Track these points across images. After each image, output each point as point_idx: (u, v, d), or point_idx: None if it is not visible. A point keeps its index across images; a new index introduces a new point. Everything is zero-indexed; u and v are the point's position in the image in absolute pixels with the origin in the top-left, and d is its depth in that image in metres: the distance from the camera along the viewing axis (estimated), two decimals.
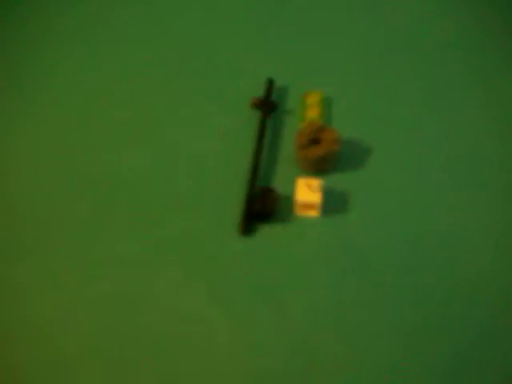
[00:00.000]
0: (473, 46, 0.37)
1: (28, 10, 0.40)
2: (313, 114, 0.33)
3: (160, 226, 0.30)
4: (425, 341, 0.26)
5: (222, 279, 0.28)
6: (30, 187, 0.32)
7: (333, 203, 0.31)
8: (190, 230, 0.30)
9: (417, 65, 0.36)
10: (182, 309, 0.27)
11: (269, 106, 0.33)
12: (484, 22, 0.38)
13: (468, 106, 0.34)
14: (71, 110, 0.35)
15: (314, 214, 0.29)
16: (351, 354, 0.26)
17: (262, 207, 0.29)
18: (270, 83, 0.34)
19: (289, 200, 0.31)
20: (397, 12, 0.39)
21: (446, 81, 0.35)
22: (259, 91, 0.35)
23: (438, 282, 0.28)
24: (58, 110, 0.35)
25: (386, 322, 0.27)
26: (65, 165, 0.33)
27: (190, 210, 0.31)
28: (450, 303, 0.27)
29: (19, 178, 0.32)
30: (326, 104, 0.34)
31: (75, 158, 0.33)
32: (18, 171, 0.32)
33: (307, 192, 0.29)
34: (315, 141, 0.31)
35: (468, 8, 0.39)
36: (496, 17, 0.38)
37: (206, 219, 0.30)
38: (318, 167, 0.31)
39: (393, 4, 0.39)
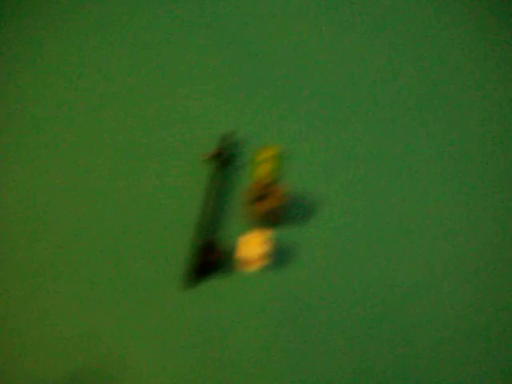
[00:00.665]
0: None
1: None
2: (264, 169, 0.35)
3: (107, 273, 0.31)
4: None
5: (164, 328, 0.29)
6: None
7: (277, 256, 0.32)
8: (137, 280, 0.31)
9: (377, 120, 0.37)
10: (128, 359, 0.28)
11: (221, 160, 0.34)
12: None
13: (427, 161, 0.35)
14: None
15: (254, 268, 0.30)
16: None
17: (204, 260, 0.30)
18: (224, 139, 0.35)
19: (233, 251, 0.32)
20: (356, 65, 0.40)
21: (406, 138, 0.37)
22: (215, 143, 0.36)
23: (378, 333, 0.29)
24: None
25: (326, 372, 0.28)
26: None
27: (137, 260, 0.32)
28: (389, 354, 0.28)
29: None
30: (280, 159, 0.36)
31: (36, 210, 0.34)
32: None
33: (249, 247, 0.30)
34: (263, 196, 0.32)
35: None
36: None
37: (153, 270, 0.31)
38: (266, 220, 0.32)
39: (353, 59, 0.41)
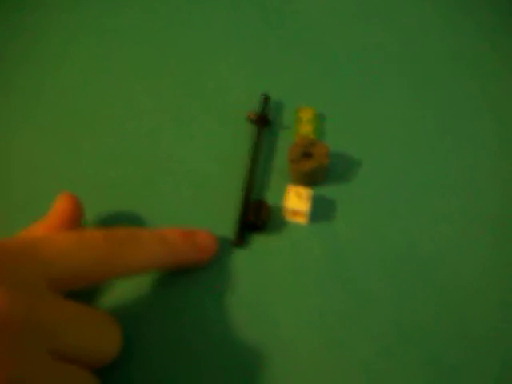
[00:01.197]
0: (475, 60, 0.38)
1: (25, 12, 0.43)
2: (306, 128, 0.35)
3: None
4: (406, 352, 0.28)
5: (217, 287, 0.30)
6: None
7: (322, 213, 0.32)
8: None
9: (411, 80, 0.38)
10: None
11: (264, 120, 0.34)
12: (488, 34, 0.40)
13: (465, 120, 0.35)
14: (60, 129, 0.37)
15: (301, 220, 0.31)
16: (335, 361, 0.27)
17: (255, 219, 0.30)
18: (266, 99, 0.35)
19: (280, 210, 0.32)
20: (393, 26, 0.41)
21: (442, 96, 0.37)
22: (254, 105, 0.36)
23: (422, 294, 0.29)
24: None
25: (369, 332, 0.28)
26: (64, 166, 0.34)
27: (185, 221, 0.32)
28: (432, 316, 0.28)
29: None
30: (319, 119, 0.36)
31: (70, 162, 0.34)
32: None
33: (296, 199, 0.30)
34: (307, 155, 0.33)
35: (470, 21, 0.41)
36: (500, 27, 0.40)
37: (202, 227, 0.32)
38: (310, 180, 0.33)
39: (389, 18, 0.41)
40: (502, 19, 0.41)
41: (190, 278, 0.30)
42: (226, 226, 0.32)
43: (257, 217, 0.31)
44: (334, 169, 0.34)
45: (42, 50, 0.41)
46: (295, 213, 0.31)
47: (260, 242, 0.31)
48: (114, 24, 0.43)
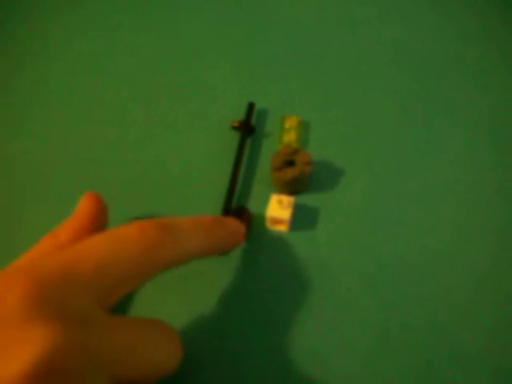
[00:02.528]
0: (465, 69, 0.39)
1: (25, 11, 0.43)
2: (289, 137, 0.35)
3: None
4: (389, 364, 0.27)
5: (197, 295, 0.30)
6: None
7: (304, 221, 0.32)
8: None
9: (398, 88, 0.38)
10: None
11: (247, 127, 0.34)
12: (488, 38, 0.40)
13: (454, 128, 0.35)
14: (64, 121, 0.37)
15: (283, 228, 0.31)
16: (314, 372, 0.27)
17: None
18: (250, 105, 0.35)
19: (262, 218, 0.32)
20: (380, 36, 0.41)
21: (429, 105, 0.37)
22: (239, 114, 0.36)
23: (406, 306, 0.29)
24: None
25: (350, 343, 0.28)
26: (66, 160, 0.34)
27: None
28: (413, 326, 0.28)
29: None
30: (303, 128, 0.36)
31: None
32: None
33: (278, 207, 0.30)
34: (289, 163, 0.33)
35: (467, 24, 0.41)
36: (502, 27, 0.40)
37: None
38: (292, 188, 0.33)
39: (376, 28, 0.41)
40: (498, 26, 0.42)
41: (168, 286, 0.30)
42: None
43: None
44: (318, 177, 0.34)
45: (36, 54, 0.42)
46: (276, 221, 0.31)
47: (240, 250, 0.31)
48: (106, 33, 0.43)
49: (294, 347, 0.28)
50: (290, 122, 0.36)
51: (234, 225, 0.28)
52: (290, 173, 0.32)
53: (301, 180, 0.32)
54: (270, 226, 0.32)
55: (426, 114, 0.37)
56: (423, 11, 0.43)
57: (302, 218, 0.32)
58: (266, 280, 0.30)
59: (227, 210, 0.32)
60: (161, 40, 0.42)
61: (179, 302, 0.30)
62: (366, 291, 0.30)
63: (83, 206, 0.26)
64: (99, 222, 0.26)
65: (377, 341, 0.28)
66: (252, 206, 0.33)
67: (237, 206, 0.32)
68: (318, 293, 0.30)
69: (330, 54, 0.40)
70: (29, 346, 0.16)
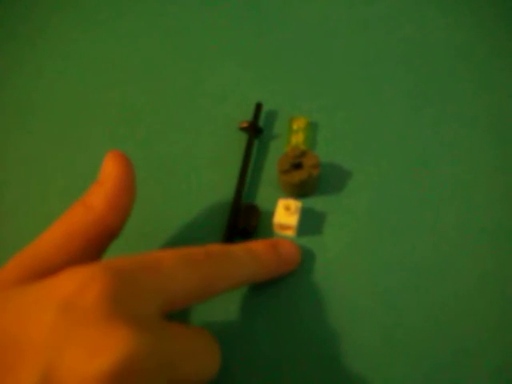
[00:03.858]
0: (473, 71, 0.38)
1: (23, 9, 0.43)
2: (297, 138, 0.35)
3: (148, 235, 0.32)
4: (397, 368, 0.28)
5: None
6: None
7: (311, 225, 0.32)
8: (178, 240, 0.32)
9: (407, 90, 0.37)
10: None
11: (255, 128, 0.34)
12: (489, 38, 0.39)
13: (462, 131, 0.35)
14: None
15: (290, 233, 0.31)
16: (323, 375, 0.27)
17: (245, 223, 0.30)
18: (258, 106, 0.35)
19: (270, 219, 0.32)
20: (389, 35, 0.40)
21: (438, 107, 0.37)
22: (247, 115, 0.36)
23: (414, 310, 0.29)
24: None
25: (357, 348, 0.28)
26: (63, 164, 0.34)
27: (175, 230, 0.32)
28: (423, 333, 0.28)
29: None
30: (312, 129, 0.36)
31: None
32: None
33: (285, 213, 0.30)
34: (297, 165, 0.33)
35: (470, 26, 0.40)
36: (503, 28, 0.40)
37: (192, 232, 0.32)
38: (300, 191, 0.32)
39: (386, 27, 0.41)
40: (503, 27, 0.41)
41: None
42: (217, 235, 0.32)
43: (246, 221, 0.31)
44: (326, 179, 0.34)
45: (36, 53, 0.41)
46: (283, 227, 0.31)
47: None
48: (112, 32, 0.43)
49: (300, 352, 0.28)
50: (298, 124, 0.35)
51: (289, 251, 0.28)
52: (297, 176, 0.32)
53: (308, 183, 0.32)
54: (277, 231, 0.32)
55: (435, 115, 0.36)
56: (432, 11, 0.42)
57: (309, 222, 0.32)
58: (272, 285, 0.30)
59: (237, 210, 0.32)
60: (168, 41, 0.42)
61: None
62: (374, 295, 0.30)
63: (110, 169, 0.24)
64: (130, 187, 0.25)
65: (382, 343, 0.28)
66: (261, 209, 0.33)
67: (246, 205, 0.32)
68: (325, 297, 0.30)
69: (339, 54, 0.40)
70: (112, 345, 0.17)
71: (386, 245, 0.31)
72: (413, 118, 0.36)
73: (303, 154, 0.33)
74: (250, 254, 0.25)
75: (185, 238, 0.32)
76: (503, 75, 0.38)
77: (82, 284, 0.18)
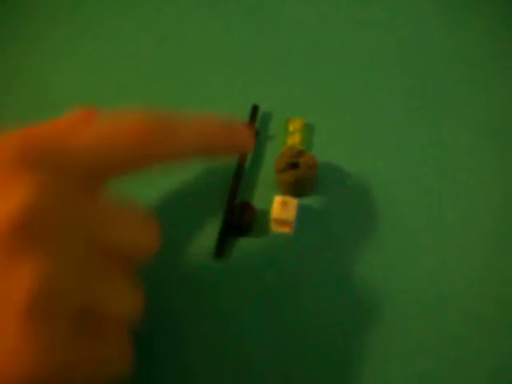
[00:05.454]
0: (471, 71, 0.38)
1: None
2: (294, 139, 0.35)
3: None
4: (393, 372, 0.27)
5: (197, 297, 0.29)
6: None
7: (308, 223, 0.32)
8: (173, 238, 0.31)
9: (404, 90, 0.38)
10: None
11: (253, 129, 0.34)
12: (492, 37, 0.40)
13: (461, 130, 0.35)
14: None
15: (287, 230, 0.30)
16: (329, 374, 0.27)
17: (239, 220, 0.30)
18: (254, 108, 0.35)
19: (267, 217, 0.32)
20: (386, 37, 0.41)
21: (435, 107, 0.37)
22: (243, 117, 0.36)
23: (412, 309, 0.29)
24: None
25: (352, 347, 0.28)
26: None
27: (171, 230, 0.32)
28: (420, 336, 0.28)
29: None
30: (308, 130, 0.36)
31: None
32: None
33: (282, 209, 0.30)
34: (294, 165, 0.32)
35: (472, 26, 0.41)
36: (505, 30, 0.40)
37: (187, 229, 0.32)
38: (297, 191, 0.32)
39: (382, 29, 0.41)
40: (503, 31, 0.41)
41: (169, 286, 0.29)
42: (212, 233, 0.32)
43: (240, 219, 0.31)
44: (322, 179, 0.34)
45: (37, 54, 0.41)
46: (280, 222, 0.30)
47: (242, 251, 0.31)
48: (108, 34, 0.43)
49: (295, 352, 0.27)
50: (294, 125, 0.35)
51: (242, 136, 0.26)
52: (293, 175, 0.32)
53: (305, 182, 0.32)
54: (274, 228, 0.31)
55: (432, 117, 0.36)
56: (429, 13, 0.43)
57: (306, 221, 0.32)
58: (269, 281, 0.30)
59: (231, 211, 0.31)
60: (163, 43, 0.42)
61: (179, 303, 0.29)
62: (369, 294, 0.29)
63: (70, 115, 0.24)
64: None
65: (380, 341, 0.28)
66: (256, 205, 0.33)
67: (240, 202, 0.31)
68: (320, 296, 0.29)
69: (335, 55, 0.40)
70: (16, 191, 0.17)
71: (383, 245, 0.31)
72: (410, 119, 0.36)
73: (300, 153, 0.33)
74: (196, 132, 0.24)
75: (180, 235, 0.31)
76: (501, 76, 0.38)
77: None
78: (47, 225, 0.17)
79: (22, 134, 0.19)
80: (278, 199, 0.31)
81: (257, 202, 0.33)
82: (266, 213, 0.32)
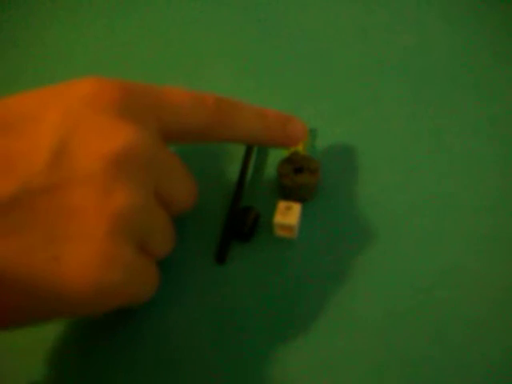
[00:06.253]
0: (475, 77, 0.38)
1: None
2: (298, 144, 0.35)
3: None
4: (389, 373, 0.27)
5: (197, 302, 0.29)
6: None
7: (311, 229, 0.32)
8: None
9: (408, 96, 0.38)
10: None
11: None
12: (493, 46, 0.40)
13: (464, 135, 0.35)
14: None
15: (290, 235, 0.30)
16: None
17: (242, 224, 0.30)
18: None
19: (270, 222, 0.32)
20: (391, 41, 0.41)
21: (439, 112, 0.37)
22: None
23: (413, 314, 0.29)
24: None
25: (357, 353, 0.27)
26: None
27: (175, 226, 0.31)
28: (422, 342, 0.28)
29: None
30: (311, 135, 0.36)
31: None
32: None
33: (285, 214, 0.30)
34: (297, 170, 0.32)
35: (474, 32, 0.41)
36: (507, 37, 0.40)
37: (190, 234, 0.31)
38: (300, 196, 0.32)
39: (388, 33, 0.41)
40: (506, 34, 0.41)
41: (167, 292, 0.29)
42: (215, 238, 0.31)
43: (244, 223, 0.30)
44: (325, 185, 0.34)
45: (38, 55, 0.42)
46: (283, 227, 0.30)
47: (245, 256, 0.31)
48: (109, 36, 0.43)
49: (297, 358, 0.27)
50: None
51: (296, 129, 0.30)
52: (297, 180, 0.32)
53: (308, 187, 0.32)
54: (277, 232, 0.31)
55: (436, 123, 0.36)
56: (433, 19, 0.43)
57: (309, 226, 0.32)
58: (271, 287, 0.29)
59: (234, 215, 0.31)
60: (165, 49, 0.42)
61: (179, 305, 0.29)
62: (372, 300, 0.29)
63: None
64: None
65: (382, 349, 0.27)
66: (257, 211, 0.33)
67: (244, 207, 0.31)
68: (323, 301, 0.29)
69: (339, 61, 0.40)
70: (119, 134, 0.21)
71: (385, 253, 0.31)
72: (413, 125, 0.36)
73: (304, 158, 0.32)
74: (258, 115, 0.28)
75: (182, 239, 0.31)
76: (505, 82, 0.38)
77: (102, 87, 0.22)
78: (139, 164, 0.21)
79: (123, 86, 0.23)
80: (281, 204, 0.30)
81: (260, 207, 0.33)
82: (269, 217, 0.32)
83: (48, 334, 0.28)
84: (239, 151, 0.35)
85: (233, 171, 0.34)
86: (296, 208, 0.30)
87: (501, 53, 0.40)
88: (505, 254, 0.30)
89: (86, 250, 0.19)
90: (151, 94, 0.24)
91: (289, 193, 0.32)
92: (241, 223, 0.30)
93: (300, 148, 0.35)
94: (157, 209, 0.23)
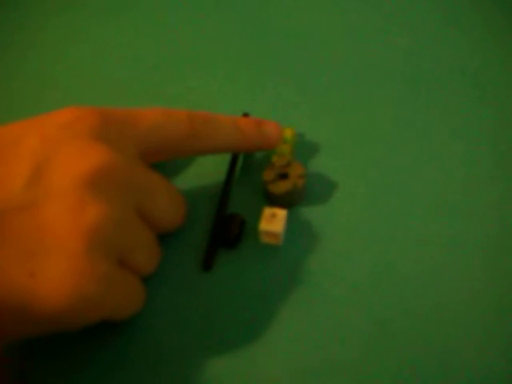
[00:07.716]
0: (466, 83, 0.38)
1: None
2: (284, 149, 0.35)
3: None
4: (373, 372, 0.27)
5: (183, 308, 0.29)
6: None
7: (297, 234, 0.32)
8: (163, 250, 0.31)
9: (396, 101, 0.37)
10: None
11: None
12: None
13: (453, 141, 0.35)
14: None
15: (275, 242, 0.31)
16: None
17: (228, 232, 0.30)
18: (245, 115, 0.35)
19: (256, 228, 0.32)
20: (378, 46, 0.41)
21: (427, 118, 0.37)
22: None
23: (400, 321, 0.29)
24: None
25: (342, 361, 0.28)
26: None
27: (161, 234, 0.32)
28: (402, 337, 0.28)
29: None
30: (298, 139, 0.36)
31: None
32: None
33: (271, 221, 0.30)
34: (283, 176, 0.33)
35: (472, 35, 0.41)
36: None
37: (177, 242, 0.32)
38: (286, 201, 0.32)
39: (375, 38, 0.41)
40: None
41: (157, 296, 0.30)
42: (201, 245, 0.32)
43: (230, 231, 0.31)
44: (312, 190, 0.34)
45: (33, 58, 0.41)
46: (269, 234, 0.31)
47: (231, 263, 0.31)
48: (104, 38, 0.43)
49: (283, 361, 0.28)
50: (285, 134, 0.35)
51: (271, 131, 0.32)
52: (283, 186, 0.32)
53: (294, 193, 0.32)
54: (263, 239, 0.31)
55: (424, 126, 0.37)
56: (426, 21, 0.42)
57: (295, 232, 0.32)
58: (257, 293, 0.30)
59: (220, 222, 0.31)
60: (155, 49, 0.42)
61: (166, 314, 0.29)
62: (358, 305, 0.29)
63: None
64: None
65: (364, 351, 0.28)
66: (246, 220, 0.33)
67: (230, 214, 0.31)
68: (309, 306, 0.29)
69: (328, 64, 0.40)
70: (94, 154, 0.22)
71: (372, 254, 0.31)
72: (402, 128, 0.36)
73: (289, 164, 0.33)
74: (233, 123, 0.29)
75: (168, 247, 0.32)
76: (496, 86, 0.38)
77: (79, 115, 0.23)
78: (114, 182, 0.22)
79: (102, 112, 0.24)
80: (266, 211, 0.31)
81: (246, 214, 0.33)
82: (255, 224, 0.32)
83: (34, 343, 0.29)
84: (225, 158, 0.35)
85: (219, 178, 0.34)
86: (281, 215, 0.31)
87: (492, 56, 0.40)
88: (504, 256, 0.31)
89: (61, 264, 0.20)
90: (128, 118, 0.25)
91: (274, 199, 0.32)
92: (227, 230, 0.31)
93: (287, 151, 0.35)
94: (137, 225, 0.24)
